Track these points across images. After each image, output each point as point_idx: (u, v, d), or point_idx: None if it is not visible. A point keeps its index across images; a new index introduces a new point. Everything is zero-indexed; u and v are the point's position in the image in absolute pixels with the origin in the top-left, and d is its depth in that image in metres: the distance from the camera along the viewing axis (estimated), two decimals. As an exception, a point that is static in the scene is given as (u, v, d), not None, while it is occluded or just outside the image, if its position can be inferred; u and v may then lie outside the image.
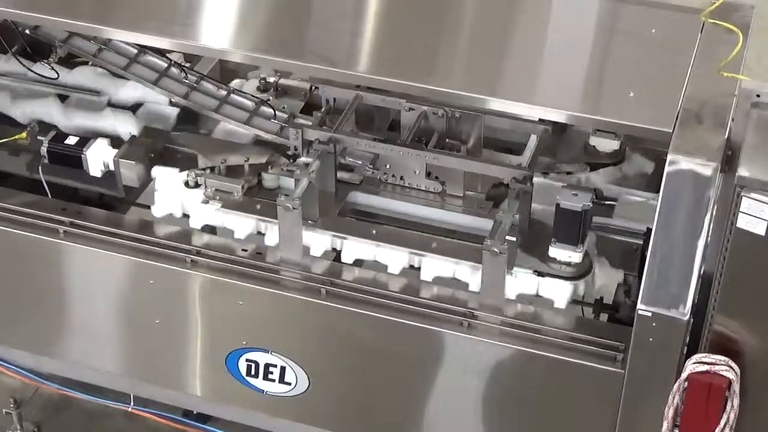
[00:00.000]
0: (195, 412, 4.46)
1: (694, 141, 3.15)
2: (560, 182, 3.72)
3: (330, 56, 3.58)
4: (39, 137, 4.05)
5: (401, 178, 3.90)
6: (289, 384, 3.83)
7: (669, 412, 3.27)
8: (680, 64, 3.41)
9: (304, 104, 4.26)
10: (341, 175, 3.88)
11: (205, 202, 3.86)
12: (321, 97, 4.07)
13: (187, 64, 4.27)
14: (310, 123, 3.99)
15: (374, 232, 3.74)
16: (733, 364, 3.21)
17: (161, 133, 4.10)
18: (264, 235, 3.81)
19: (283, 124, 4.02)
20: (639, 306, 3.21)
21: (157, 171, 3.94)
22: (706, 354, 3.24)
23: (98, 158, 3.96)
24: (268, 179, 3.93)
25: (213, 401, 4.16)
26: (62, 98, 4.24)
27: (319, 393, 3.84)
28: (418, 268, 3.69)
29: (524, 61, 3.58)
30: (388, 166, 3.89)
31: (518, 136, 4.02)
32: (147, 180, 3.99)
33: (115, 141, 4.02)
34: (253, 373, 3.86)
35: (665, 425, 3.29)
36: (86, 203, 4.02)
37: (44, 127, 4.13)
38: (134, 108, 4.21)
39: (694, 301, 3.21)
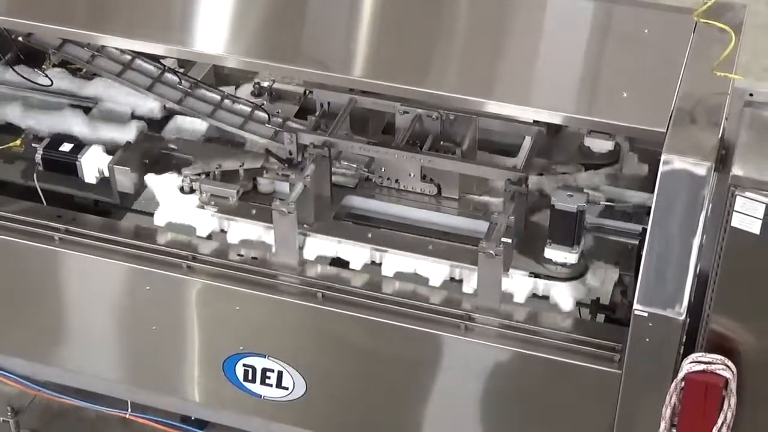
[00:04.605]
0: (193, 418, 4.46)
1: (688, 140, 3.16)
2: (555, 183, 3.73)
3: (324, 60, 3.59)
4: (33, 144, 4.05)
5: (396, 181, 3.90)
6: (287, 389, 3.83)
7: (666, 412, 3.28)
8: (673, 64, 3.42)
9: (299, 108, 4.26)
10: (336, 178, 3.89)
11: (201, 207, 3.86)
12: (315, 101, 4.07)
13: (181, 70, 4.27)
14: (305, 127, 4.00)
15: (370, 235, 3.74)
16: (729, 363, 3.21)
17: (156, 138, 4.10)
18: (260, 239, 3.82)
19: (278, 129, 4.03)
20: (635, 306, 3.21)
21: (151, 178, 3.93)
22: (703, 353, 3.24)
23: (93, 165, 3.96)
24: (264, 184, 3.94)
25: (210, 407, 4.16)
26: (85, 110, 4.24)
27: (316, 397, 3.84)
28: (415, 272, 3.70)
29: (518, 63, 3.58)
30: (383, 170, 3.89)
31: (513, 137, 4.03)
32: (142, 186, 3.99)
33: (110, 147, 4.02)
34: (250, 378, 3.85)
35: (663, 425, 3.29)
36: (81, 210, 4.02)
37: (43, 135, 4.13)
38: (163, 122, 4.21)
39: (690, 300, 3.21)
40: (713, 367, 3.21)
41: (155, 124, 4.21)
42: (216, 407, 4.14)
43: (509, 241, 3.51)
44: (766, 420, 3.37)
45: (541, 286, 3.60)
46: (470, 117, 3.87)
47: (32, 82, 4.28)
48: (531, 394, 3.60)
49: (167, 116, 4.23)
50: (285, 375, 3.81)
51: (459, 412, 3.74)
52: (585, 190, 3.56)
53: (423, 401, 3.75)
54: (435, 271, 3.66)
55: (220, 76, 4.44)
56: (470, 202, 3.85)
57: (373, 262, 3.73)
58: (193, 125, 4.17)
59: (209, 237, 3.88)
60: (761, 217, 3.01)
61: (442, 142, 3.90)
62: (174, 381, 4.07)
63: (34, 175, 4.02)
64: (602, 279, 3.63)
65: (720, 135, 3.18)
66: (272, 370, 3.81)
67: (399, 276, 3.69)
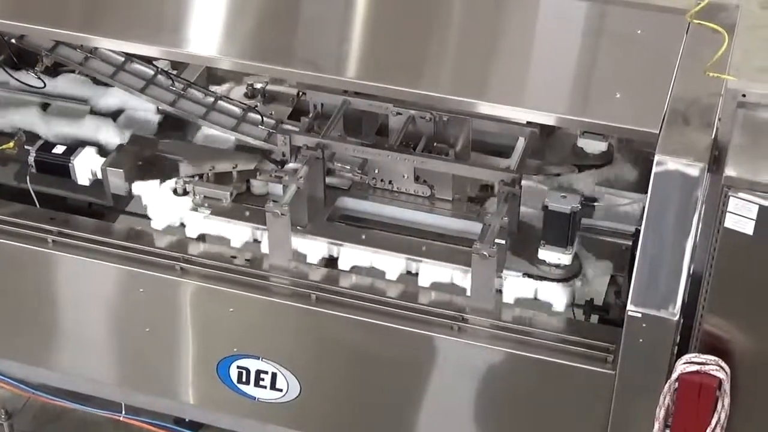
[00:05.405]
0: (187, 420, 4.45)
1: (681, 141, 3.16)
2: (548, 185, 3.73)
3: (317, 62, 3.58)
4: (26, 147, 4.04)
5: (390, 182, 3.90)
6: (281, 390, 3.83)
7: (660, 413, 3.28)
8: (666, 64, 3.42)
9: (292, 110, 4.26)
10: (330, 180, 3.89)
11: (194, 209, 3.86)
12: (309, 103, 4.07)
13: (174, 72, 4.26)
14: (298, 129, 3.99)
15: (363, 237, 3.74)
16: (723, 364, 3.22)
17: (149, 141, 4.09)
18: (254, 241, 3.81)
19: (271, 130, 4.03)
20: (629, 307, 3.21)
21: (140, 185, 3.93)
22: (696, 354, 3.25)
23: (86, 167, 3.95)
24: (257, 185, 3.93)
25: (204, 409, 4.15)
26: (45, 107, 4.25)
27: (310, 399, 3.84)
28: (409, 273, 3.69)
29: (511, 64, 3.58)
30: (376, 171, 3.89)
31: (506, 138, 4.03)
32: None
33: (103, 150, 4.02)
34: (244, 380, 3.85)
35: (656, 426, 3.30)
36: (75, 212, 4.01)
37: (30, 136, 4.12)
38: (115, 115, 4.21)
39: (683, 301, 3.21)
40: (707, 367, 3.21)
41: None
42: (210, 409, 4.14)
43: (503, 242, 3.51)
44: (759, 420, 3.37)
45: (535, 287, 3.60)
46: (463, 118, 3.87)
47: (23, 83, 4.27)
48: (525, 395, 3.60)
49: (121, 110, 4.23)
50: (279, 377, 3.80)
51: (452, 413, 3.73)
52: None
53: (416, 402, 3.75)
54: (428, 272, 3.65)
55: (213, 78, 4.44)
56: (464, 204, 3.85)
57: (366, 264, 3.73)
58: (146, 117, 4.16)
59: (202, 239, 3.88)
60: (754, 218, 3.01)
61: (435, 144, 3.91)
62: (168, 383, 4.07)
63: (27, 177, 4.01)
64: (596, 280, 3.63)
65: (713, 136, 3.18)
66: (266, 372, 3.81)
67: (393, 277, 3.69)
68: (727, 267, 3.13)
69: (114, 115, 4.22)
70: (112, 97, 4.24)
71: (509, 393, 3.63)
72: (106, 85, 4.20)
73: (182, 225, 3.89)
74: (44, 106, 4.26)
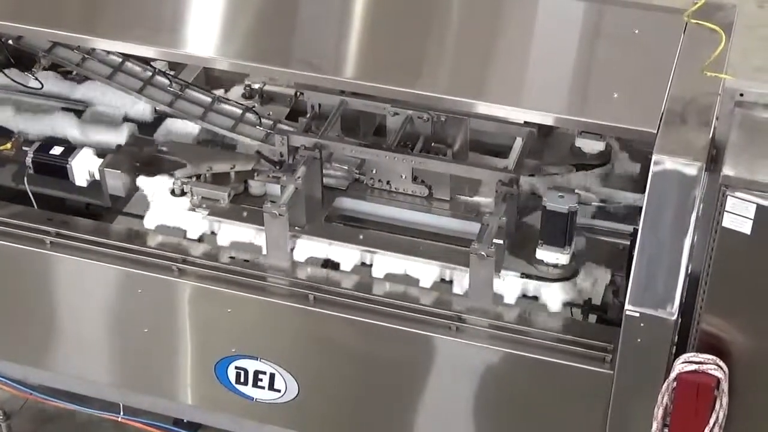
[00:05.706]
0: (185, 421, 4.45)
1: (679, 141, 3.16)
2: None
3: (315, 62, 3.58)
4: (24, 147, 4.04)
5: (388, 182, 3.90)
6: (279, 391, 3.83)
7: (658, 412, 3.28)
8: (664, 64, 3.42)
9: (290, 110, 4.26)
10: (328, 180, 3.89)
11: (192, 209, 3.86)
12: (306, 103, 4.07)
13: (172, 73, 4.26)
14: (296, 129, 3.99)
15: (361, 237, 3.74)
16: (721, 363, 3.22)
17: (147, 141, 4.09)
18: (252, 242, 3.81)
19: (269, 131, 4.03)
20: (627, 306, 3.21)
21: (144, 181, 3.93)
22: (695, 353, 3.25)
23: (83, 168, 3.95)
24: (255, 186, 3.93)
25: (203, 409, 4.15)
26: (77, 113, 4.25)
27: (308, 399, 3.83)
28: (407, 273, 3.70)
29: (509, 64, 3.58)
30: (374, 171, 3.89)
31: (504, 139, 4.03)
32: (133, 189, 3.99)
33: (101, 150, 4.02)
34: (242, 380, 3.85)
35: (655, 425, 3.30)
36: (73, 213, 4.01)
37: (33, 138, 4.13)
38: (156, 124, 4.21)
39: (681, 300, 3.21)
40: (705, 367, 3.21)
41: (147, 127, 4.21)
42: (208, 410, 4.14)
43: (501, 242, 3.51)
44: (757, 420, 3.37)
45: (533, 287, 3.60)
46: (461, 118, 3.88)
47: (23, 85, 4.27)
48: (523, 394, 3.60)
49: (159, 118, 4.23)
50: (277, 377, 3.80)
51: (450, 413, 3.73)
52: (576, 191, 3.57)
53: (415, 402, 3.75)
54: (426, 272, 3.66)
55: (210, 79, 4.44)
56: (462, 204, 3.86)
57: (363, 264, 3.73)
58: (186, 128, 4.17)
59: (200, 239, 3.88)
60: (752, 217, 3.01)
61: (433, 144, 3.91)
62: (166, 384, 4.07)
63: (25, 178, 4.01)
64: (594, 280, 3.64)
65: (711, 135, 3.18)
66: (264, 373, 3.81)
67: (390, 277, 3.69)
68: (725, 266, 3.13)
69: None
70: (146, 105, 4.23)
71: (508, 393, 3.63)
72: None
73: (178, 226, 3.89)
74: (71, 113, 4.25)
